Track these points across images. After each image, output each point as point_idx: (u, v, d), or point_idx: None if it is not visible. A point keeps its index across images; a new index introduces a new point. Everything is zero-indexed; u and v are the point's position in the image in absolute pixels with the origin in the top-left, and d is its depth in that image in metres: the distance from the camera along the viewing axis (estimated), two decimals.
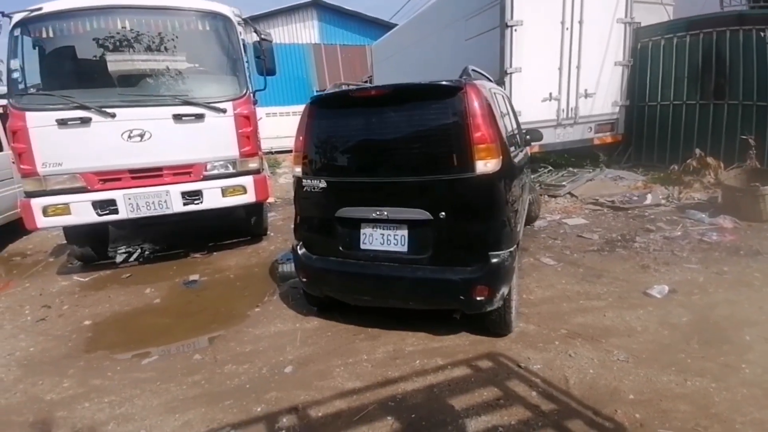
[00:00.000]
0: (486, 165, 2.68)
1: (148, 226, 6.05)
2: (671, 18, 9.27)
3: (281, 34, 20.04)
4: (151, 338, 3.47)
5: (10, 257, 6.13)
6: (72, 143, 4.27)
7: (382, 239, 2.98)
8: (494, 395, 2.47)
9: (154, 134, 4.46)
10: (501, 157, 2.75)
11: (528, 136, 4.57)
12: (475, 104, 2.70)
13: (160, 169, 4.58)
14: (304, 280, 3.35)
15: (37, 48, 4.46)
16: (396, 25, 15.44)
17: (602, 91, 7.80)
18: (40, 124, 4.20)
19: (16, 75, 4.28)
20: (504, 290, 2.81)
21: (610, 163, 8.56)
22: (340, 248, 3.11)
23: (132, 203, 4.49)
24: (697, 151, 6.49)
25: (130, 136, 4.39)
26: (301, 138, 3.23)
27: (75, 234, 4.95)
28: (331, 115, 3.19)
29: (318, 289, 3.35)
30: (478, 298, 2.75)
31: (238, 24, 4.85)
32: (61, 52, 4.58)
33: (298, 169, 3.26)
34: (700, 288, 3.62)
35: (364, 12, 21.99)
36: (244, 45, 4.89)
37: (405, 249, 2.92)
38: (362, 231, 3.04)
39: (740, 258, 4.16)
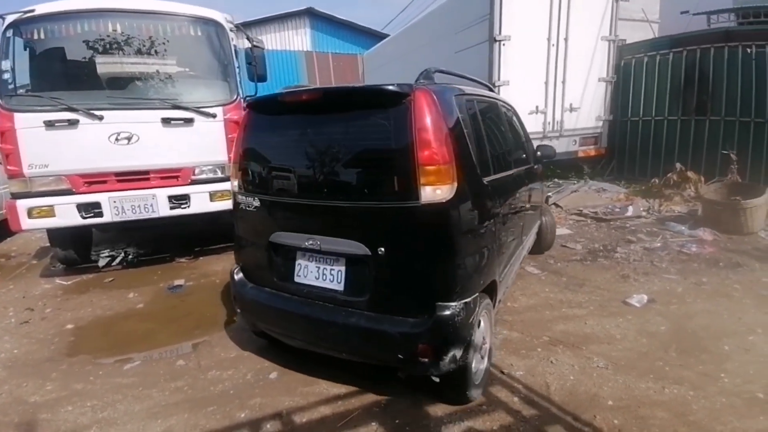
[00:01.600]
0: (436, 192, 2.16)
1: (133, 230, 5.99)
2: (656, 35, 9.55)
3: (274, 40, 20.07)
4: (134, 343, 3.43)
5: None
6: (59, 145, 4.24)
7: (317, 273, 2.53)
8: (477, 401, 2.50)
9: (142, 137, 4.45)
10: (457, 182, 2.21)
11: (539, 152, 4.17)
12: (426, 115, 2.19)
13: (147, 172, 4.56)
14: (239, 310, 3.02)
15: (28, 49, 4.44)
16: (388, 35, 15.61)
17: (587, 106, 8.00)
18: (28, 125, 4.17)
19: (6, 76, 4.26)
20: (455, 352, 2.25)
21: (593, 175, 8.75)
22: (275, 279, 2.72)
23: (117, 206, 4.46)
24: (678, 165, 6.66)
25: (117, 139, 4.37)
26: (237, 147, 2.86)
27: (58, 236, 4.89)
28: (266, 122, 2.80)
29: (251, 322, 3.01)
30: (421, 359, 2.24)
31: (230, 30, 4.88)
32: (52, 54, 4.55)
33: (235, 183, 2.89)
34: (679, 298, 3.71)
35: (356, 21, 22.20)
36: (235, 51, 4.92)
37: (341, 287, 2.45)
38: (297, 261, 2.61)
39: (719, 270, 4.28)
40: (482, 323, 2.54)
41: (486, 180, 2.61)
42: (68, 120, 4.22)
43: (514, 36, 7.08)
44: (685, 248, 4.86)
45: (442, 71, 2.93)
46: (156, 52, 4.64)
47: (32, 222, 4.32)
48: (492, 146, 2.95)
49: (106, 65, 4.60)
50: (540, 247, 4.85)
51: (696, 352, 2.90)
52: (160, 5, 4.65)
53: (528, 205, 3.79)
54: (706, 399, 2.44)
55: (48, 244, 5.30)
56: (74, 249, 5.05)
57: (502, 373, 2.76)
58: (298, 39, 21.04)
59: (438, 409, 2.45)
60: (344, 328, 2.40)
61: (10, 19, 4.24)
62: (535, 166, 4.23)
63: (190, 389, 2.78)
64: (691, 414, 2.33)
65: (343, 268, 2.46)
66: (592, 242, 5.31)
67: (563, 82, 7.67)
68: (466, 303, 2.29)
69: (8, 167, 4.24)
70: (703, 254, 4.69)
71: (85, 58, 4.51)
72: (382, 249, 2.27)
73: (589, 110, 8.06)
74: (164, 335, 3.57)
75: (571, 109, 7.87)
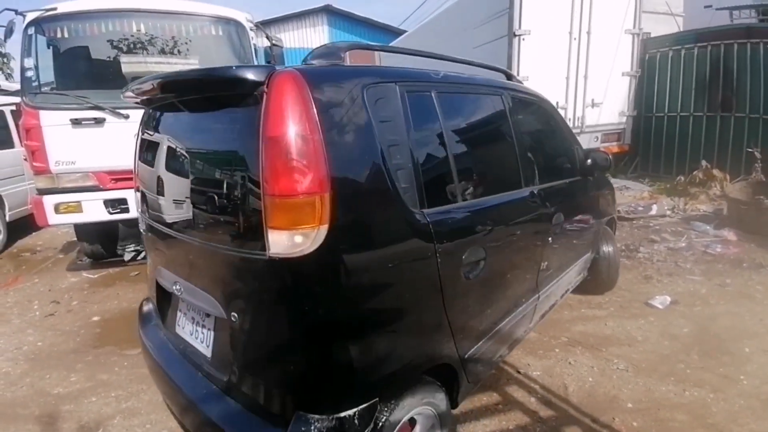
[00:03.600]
0: (293, 239, 1.34)
1: None
2: (681, 29, 9.32)
3: (292, 38, 20.20)
4: None
5: (20, 253, 6.22)
6: (85, 143, 4.34)
7: (192, 328, 1.89)
8: (494, 400, 2.50)
9: None
10: (332, 223, 1.37)
11: (589, 161, 3.12)
12: (284, 114, 1.35)
13: None
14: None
15: (51, 47, 4.52)
16: (405, 31, 15.55)
17: (609, 101, 7.83)
18: (54, 123, 4.27)
19: (29, 73, 4.33)
20: None
21: (616, 172, 8.57)
22: (164, 323, 2.17)
23: None
24: (704, 162, 6.52)
25: None
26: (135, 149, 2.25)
27: (86, 231, 5.04)
28: (148, 121, 2.13)
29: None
30: None
31: (250, 29, 4.94)
32: (76, 53, 4.65)
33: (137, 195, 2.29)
34: (702, 299, 3.64)
35: (373, 18, 22.19)
36: (255, 50, 4.97)
37: (209, 354, 1.76)
38: (179, 307, 2.02)
39: (743, 270, 4.18)
40: (421, 427, 1.79)
41: (431, 213, 1.69)
42: (95, 118, 4.32)
43: (534, 30, 6.97)
44: (709, 248, 4.75)
45: (365, 47, 2.09)
46: (179, 51, 4.72)
47: (59, 217, 4.44)
48: (464, 158, 2.05)
49: (129, 64, 4.69)
50: (595, 286, 3.73)
51: (717, 354, 2.85)
52: (182, 5, 4.71)
53: (558, 237, 2.66)
54: (726, 401, 2.41)
55: (74, 239, 5.47)
56: (101, 243, 5.20)
57: (519, 372, 2.75)
58: (316, 36, 21.10)
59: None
60: (197, 413, 1.70)
61: (30, 16, 4.29)
62: (590, 179, 3.24)
63: None
64: (710, 416, 2.31)
65: (212, 330, 1.77)
66: None
67: (585, 77, 7.52)
68: (345, 418, 1.44)
69: (34, 164, 4.33)
70: (728, 255, 4.58)
71: (109, 57, 4.60)
72: (235, 315, 1.55)
73: (612, 105, 7.88)
74: None
75: (593, 105, 7.72)
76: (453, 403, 1.92)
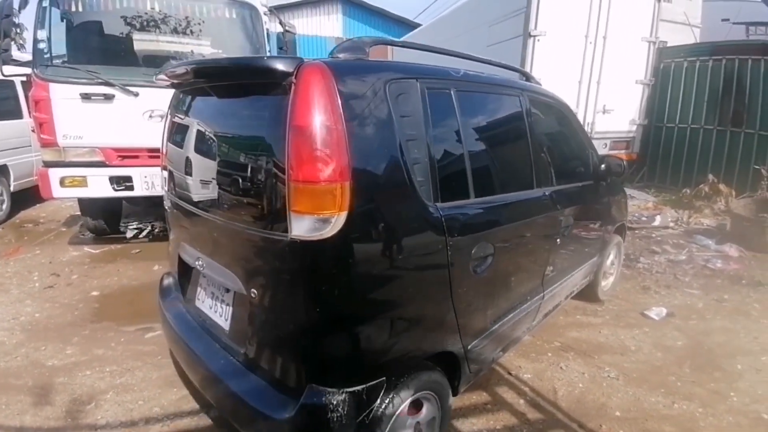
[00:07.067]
0: (314, 223, 1.45)
1: (161, 205, 6.15)
2: (698, 40, 9.23)
3: (305, 25, 20.11)
4: (156, 313, 3.54)
5: (22, 223, 6.25)
6: (94, 118, 4.35)
7: (211, 302, 2.05)
8: (482, 399, 2.52)
9: None
10: (352, 210, 1.46)
11: (603, 166, 3.19)
12: (311, 105, 1.44)
13: None
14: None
15: (64, 20, 4.50)
16: (420, 24, 15.45)
17: (621, 108, 7.76)
18: (64, 96, 4.27)
19: (41, 45, 4.31)
20: None
21: (622, 181, 8.53)
22: (184, 297, 2.33)
23: (148, 181, 4.58)
24: (710, 176, 6.48)
25: (151, 116, 4.46)
26: (163, 131, 2.40)
27: (90, 206, 5.08)
28: (177, 103, 2.29)
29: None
30: None
31: (264, 14, 4.92)
32: (89, 27, 4.65)
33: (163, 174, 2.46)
34: (699, 313, 3.64)
35: (388, 9, 21.99)
36: (268, 35, 4.96)
37: (227, 327, 1.91)
38: (199, 282, 2.19)
39: (741, 287, 4.17)
40: (425, 409, 1.86)
41: (444, 207, 1.77)
42: (104, 94, 4.32)
43: (549, 31, 6.90)
44: (710, 263, 4.74)
45: (389, 42, 2.27)
46: (191, 32, 4.71)
47: (64, 191, 4.46)
48: (478, 156, 2.13)
49: (142, 42, 4.68)
50: (595, 293, 3.68)
51: (709, 369, 2.86)
52: None
53: (566, 239, 2.72)
54: (714, 417, 2.42)
55: (78, 213, 5.49)
56: (104, 219, 5.23)
57: (510, 374, 2.77)
58: (329, 25, 21.00)
59: None
60: (217, 382, 1.84)
61: None
62: (602, 184, 3.27)
63: None
64: (697, 430, 2.32)
65: (231, 304, 1.91)
66: None
67: (598, 83, 7.45)
68: (354, 393, 1.55)
69: (42, 136, 4.33)
70: (728, 270, 4.57)
71: (122, 33, 4.59)
72: (255, 291, 1.67)
73: (624, 113, 7.82)
74: None
75: (605, 111, 7.66)
76: (454, 390, 2.03)
